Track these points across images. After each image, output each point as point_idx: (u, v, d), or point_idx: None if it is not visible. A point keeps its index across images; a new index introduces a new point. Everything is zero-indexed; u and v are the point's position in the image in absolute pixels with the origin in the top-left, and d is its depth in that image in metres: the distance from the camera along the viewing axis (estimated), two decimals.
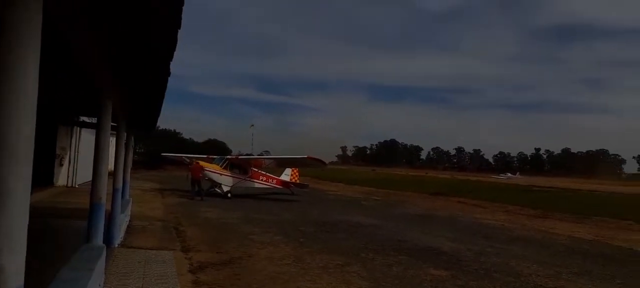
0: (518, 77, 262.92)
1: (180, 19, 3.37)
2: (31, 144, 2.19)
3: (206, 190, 24.11)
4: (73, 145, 23.07)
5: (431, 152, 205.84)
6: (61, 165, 22.68)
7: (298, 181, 30.73)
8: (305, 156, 25.23)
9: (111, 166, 8.50)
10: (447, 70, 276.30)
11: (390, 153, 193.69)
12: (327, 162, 31.59)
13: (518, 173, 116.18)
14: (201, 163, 24.38)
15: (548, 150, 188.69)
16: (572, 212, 24.33)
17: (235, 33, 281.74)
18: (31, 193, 2.23)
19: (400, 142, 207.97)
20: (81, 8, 3.57)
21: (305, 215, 18.69)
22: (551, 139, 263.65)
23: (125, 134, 10.22)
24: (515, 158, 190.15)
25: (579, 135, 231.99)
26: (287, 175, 30.39)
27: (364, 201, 29.53)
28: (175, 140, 64.83)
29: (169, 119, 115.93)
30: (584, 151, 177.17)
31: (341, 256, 10.34)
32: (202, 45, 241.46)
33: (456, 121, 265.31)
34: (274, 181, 28.55)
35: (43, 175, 20.62)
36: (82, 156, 23.04)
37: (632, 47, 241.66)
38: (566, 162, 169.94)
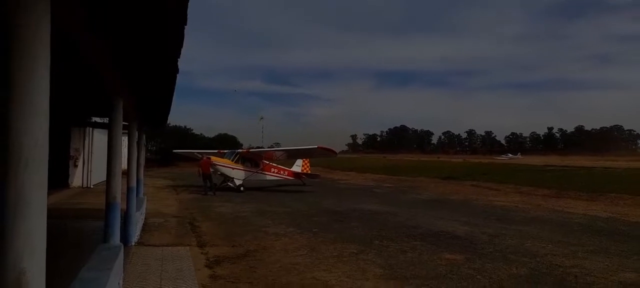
0: (527, 57, 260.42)
1: (186, 14, 3.37)
2: (46, 148, 2.21)
3: (219, 185, 24.27)
4: (86, 146, 23.34)
5: (442, 137, 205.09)
6: (75, 166, 22.98)
7: (309, 172, 30.80)
8: (316, 146, 25.23)
9: (125, 165, 8.58)
10: (455, 52, 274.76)
11: (401, 139, 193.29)
12: (337, 151, 31.57)
13: (519, 154, 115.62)
14: (212, 158, 24.52)
15: (561, 129, 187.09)
16: (586, 190, 24.07)
17: (238, 25, 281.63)
18: (48, 195, 2.26)
19: (410, 127, 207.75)
20: (87, 10, 3.58)
21: (317, 205, 18.74)
22: (564, 117, 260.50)
23: (137, 133, 10.29)
24: (528, 138, 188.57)
25: (592, 112, 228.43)
26: (298, 166, 30.46)
27: (376, 188, 29.52)
28: (186, 137, 65.12)
29: (179, 115, 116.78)
30: (598, 128, 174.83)
31: (355, 244, 10.36)
32: (205, 40, 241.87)
33: (466, 104, 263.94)
34: (286, 173, 28.65)
35: (58, 177, 20.93)
36: (95, 156, 23.32)
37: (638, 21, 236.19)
38: (580, 140, 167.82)
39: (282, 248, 9.92)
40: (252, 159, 26.59)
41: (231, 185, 24.81)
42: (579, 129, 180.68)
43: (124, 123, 6.79)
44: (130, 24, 3.97)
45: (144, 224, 12.05)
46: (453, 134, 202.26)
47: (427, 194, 25.13)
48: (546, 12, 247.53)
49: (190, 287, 6.78)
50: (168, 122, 13.52)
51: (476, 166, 50.80)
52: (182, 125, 71.75)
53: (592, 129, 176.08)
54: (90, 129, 23.00)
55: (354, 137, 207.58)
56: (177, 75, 5.68)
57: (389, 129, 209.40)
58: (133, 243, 9.48)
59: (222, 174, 24.64)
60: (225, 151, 27.79)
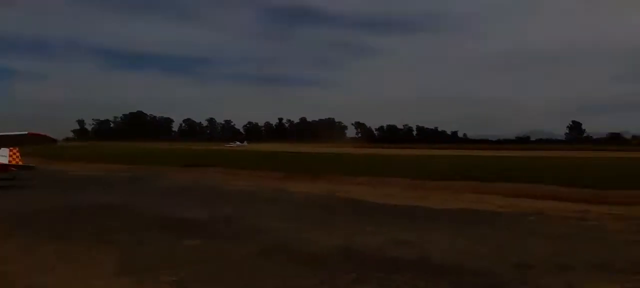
0: (260, 52, 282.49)
1: None
2: None
3: None
4: None
5: (183, 124, 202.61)
6: None
7: (20, 163, 25.43)
8: (25, 132, 20.75)
9: None
10: (191, 38, 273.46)
11: (138, 126, 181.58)
12: (59, 138, 27.12)
13: (245, 141, 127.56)
14: None
15: (289, 120, 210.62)
16: (310, 172, 27.81)
17: None
18: None
19: (148, 114, 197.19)
20: None
21: (37, 201, 15.72)
22: (291, 109, 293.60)
23: None
24: (263, 127, 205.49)
25: (312, 106, 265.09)
26: (3, 156, 24.69)
27: (110, 179, 26.79)
28: None
29: None
30: (317, 119, 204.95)
31: (84, 241, 9.23)
32: None
33: (205, 92, 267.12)
34: None
35: None
36: None
37: (349, 34, 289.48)
38: (304, 129, 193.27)
39: None
40: None
41: None
42: (303, 120, 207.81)
43: None
44: None
45: None
46: (194, 121, 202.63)
47: (166, 182, 24.31)
48: (277, 14, 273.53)
49: None
50: None
51: (214, 153, 52.38)
52: None
53: (313, 120, 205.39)
54: None
55: (81, 122, 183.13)
56: None
57: (124, 115, 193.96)
58: None
59: None
60: None
